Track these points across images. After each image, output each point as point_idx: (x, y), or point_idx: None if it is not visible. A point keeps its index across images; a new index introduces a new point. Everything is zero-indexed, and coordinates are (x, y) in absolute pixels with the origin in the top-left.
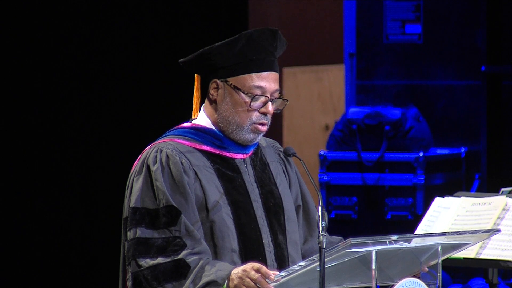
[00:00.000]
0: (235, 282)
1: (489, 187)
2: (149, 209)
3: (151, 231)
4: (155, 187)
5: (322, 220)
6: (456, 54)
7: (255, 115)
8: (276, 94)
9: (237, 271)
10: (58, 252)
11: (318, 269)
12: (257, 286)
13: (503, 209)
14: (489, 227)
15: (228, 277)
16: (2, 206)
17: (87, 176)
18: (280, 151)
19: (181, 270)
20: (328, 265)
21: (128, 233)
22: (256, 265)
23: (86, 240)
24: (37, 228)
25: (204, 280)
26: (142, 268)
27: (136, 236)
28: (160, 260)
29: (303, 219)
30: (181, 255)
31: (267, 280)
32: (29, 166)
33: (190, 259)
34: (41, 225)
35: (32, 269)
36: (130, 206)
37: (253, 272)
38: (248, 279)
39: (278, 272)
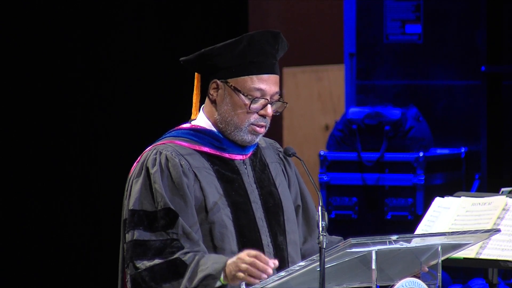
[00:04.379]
0: (230, 269)
1: (489, 187)
2: (147, 212)
3: (148, 233)
4: (153, 190)
5: (322, 220)
6: (456, 54)
7: (254, 117)
8: (276, 97)
9: (231, 260)
10: (58, 253)
11: (318, 269)
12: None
13: (503, 209)
14: (489, 227)
15: (223, 268)
16: (2, 207)
17: (87, 177)
18: (280, 151)
19: (178, 269)
20: (328, 265)
21: (126, 235)
22: (252, 252)
23: (86, 241)
24: (37, 229)
25: (200, 275)
26: (139, 270)
27: (134, 238)
28: (157, 261)
29: (302, 219)
30: (177, 254)
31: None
32: (29, 167)
33: (186, 257)
34: (41, 226)
35: (32, 269)
36: (129, 208)
37: (247, 258)
38: (244, 264)
39: (276, 262)
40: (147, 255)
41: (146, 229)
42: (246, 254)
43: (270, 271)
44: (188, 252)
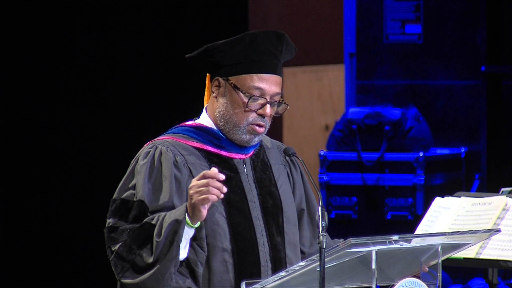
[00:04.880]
0: (192, 201)
1: (489, 187)
2: (125, 200)
3: (122, 222)
4: (136, 180)
5: (322, 220)
6: (456, 54)
7: (252, 116)
8: (277, 98)
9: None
10: (58, 252)
11: (318, 269)
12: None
13: (503, 209)
14: (489, 227)
15: (185, 210)
16: (2, 207)
17: (88, 175)
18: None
19: (148, 231)
20: (328, 265)
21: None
22: (197, 178)
23: (86, 239)
24: (37, 228)
25: (165, 225)
26: (115, 249)
27: (109, 225)
28: (126, 236)
29: (308, 223)
30: (145, 220)
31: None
32: (29, 166)
33: (153, 220)
34: (41, 224)
35: (32, 268)
36: (112, 198)
37: (195, 182)
38: (202, 188)
39: (215, 169)
40: (122, 237)
41: (121, 218)
42: (195, 180)
43: (217, 183)
44: (154, 217)
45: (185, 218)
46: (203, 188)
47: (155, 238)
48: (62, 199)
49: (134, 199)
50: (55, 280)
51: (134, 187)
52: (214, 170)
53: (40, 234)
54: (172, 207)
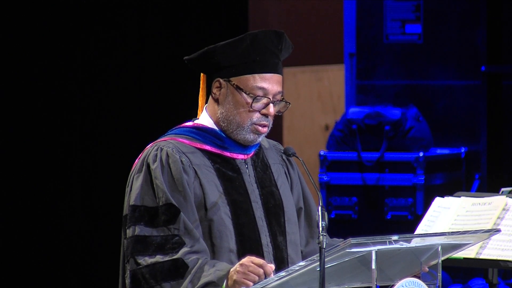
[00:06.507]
0: (234, 278)
1: (489, 187)
2: (148, 207)
3: (150, 229)
4: (154, 185)
5: (322, 220)
6: (456, 54)
7: (256, 116)
8: (279, 97)
9: (235, 267)
10: (58, 252)
11: (318, 269)
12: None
13: (503, 209)
14: (489, 227)
15: (226, 276)
16: (2, 206)
17: (88, 175)
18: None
19: (179, 269)
20: (328, 265)
21: (127, 230)
22: (256, 259)
23: (86, 239)
24: (38, 228)
25: (202, 280)
26: (140, 266)
27: (135, 233)
28: (158, 258)
29: (304, 222)
30: (180, 254)
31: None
32: (30, 164)
33: (189, 259)
34: (42, 224)
35: (32, 269)
36: (130, 204)
37: (254, 266)
38: (252, 274)
39: (273, 266)
40: (148, 251)
41: (147, 224)
42: (251, 262)
43: (262, 274)
44: (190, 253)
45: (223, 283)
46: (253, 275)
47: (187, 285)
48: (62, 199)
49: (160, 204)
50: (55, 280)
51: (153, 192)
52: (272, 268)
53: (40, 234)
54: (191, 213)
